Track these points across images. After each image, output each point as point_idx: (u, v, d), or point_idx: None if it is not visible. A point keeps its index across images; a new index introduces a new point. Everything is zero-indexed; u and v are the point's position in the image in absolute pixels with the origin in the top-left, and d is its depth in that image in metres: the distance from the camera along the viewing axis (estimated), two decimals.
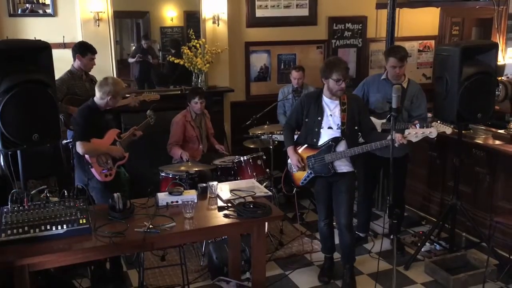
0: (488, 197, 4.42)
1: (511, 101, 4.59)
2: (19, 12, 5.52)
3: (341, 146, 3.71)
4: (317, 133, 3.75)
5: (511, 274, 3.94)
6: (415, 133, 3.61)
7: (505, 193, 4.30)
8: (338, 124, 3.71)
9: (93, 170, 3.84)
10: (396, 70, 4.11)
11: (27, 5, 5.56)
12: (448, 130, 3.73)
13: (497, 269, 4.00)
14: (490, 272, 3.91)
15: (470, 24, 7.55)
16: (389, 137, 3.44)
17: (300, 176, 3.88)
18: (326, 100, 3.76)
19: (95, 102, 3.93)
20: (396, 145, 3.48)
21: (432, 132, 3.62)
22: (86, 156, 3.85)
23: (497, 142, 4.44)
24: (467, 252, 4.28)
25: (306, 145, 3.83)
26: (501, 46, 5.96)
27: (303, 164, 3.82)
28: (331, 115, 3.73)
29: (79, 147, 3.83)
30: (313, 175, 3.82)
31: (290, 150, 3.89)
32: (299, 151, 3.87)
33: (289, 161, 3.94)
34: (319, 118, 3.73)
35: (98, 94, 3.90)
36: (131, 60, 6.07)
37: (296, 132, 4.02)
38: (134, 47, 6.16)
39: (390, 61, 4.10)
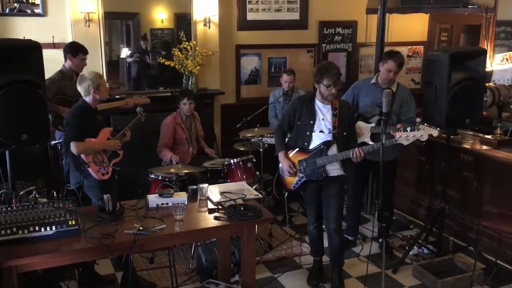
0: (476, 202, 4.46)
1: (498, 107, 4.64)
2: (7, 12, 5.48)
3: (332, 150, 3.73)
4: (309, 136, 3.76)
5: (498, 278, 3.99)
6: (406, 136, 3.65)
7: (492, 198, 4.35)
8: (329, 129, 3.72)
9: (90, 169, 3.80)
10: (391, 74, 4.13)
11: (16, 4, 5.52)
12: (435, 132, 3.77)
13: (484, 273, 4.04)
14: (477, 276, 3.95)
15: (458, 30, 7.64)
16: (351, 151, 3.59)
17: (292, 180, 3.89)
18: (318, 104, 3.77)
19: (84, 100, 3.88)
20: (354, 161, 3.65)
21: (423, 135, 3.66)
22: (82, 155, 3.80)
23: (485, 147, 4.48)
24: (454, 256, 4.31)
25: (297, 149, 3.84)
26: (488, 53, 6.03)
27: (295, 170, 3.82)
28: (323, 119, 3.74)
29: (73, 148, 3.77)
30: (304, 179, 3.82)
31: (281, 155, 3.89)
32: (290, 155, 3.87)
33: (280, 165, 3.94)
34: (311, 122, 3.74)
35: (81, 91, 3.87)
36: (129, 59, 6.06)
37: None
38: (132, 47, 6.16)
39: (388, 64, 4.12)
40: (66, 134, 3.89)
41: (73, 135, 3.81)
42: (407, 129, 3.71)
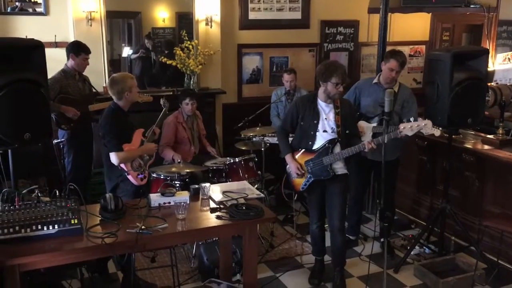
0: (477, 201, 4.46)
1: (500, 107, 4.64)
2: (8, 10, 5.49)
3: (337, 148, 3.74)
4: (313, 136, 3.76)
5: (499, 277, 3.99)
6: (410, 126, 3.64)
7: (493, 198, 4.35)
8: (332, 128, 3.73)
9: (129, 177, 3.75)
10: (393, 73, 4.13)
11: (17, 3, 5.53)
12: (437, 132, 3.76)
13: (485, 272, 4.03)
14: (479, 275, 3.95)
15: (460, 30, 7.63)
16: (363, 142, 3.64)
17: (300, 181, 3.87)
18: (321, 103, 3.77)
19: (117, 104, 3.79)
20: (365, 150, 3.64)
21: (427, 124, 3.65)
22: (122, 164, 3.74)
23: (486, 147, 4.48)
24: (456, 256, 4.32)
25: (302, 150, 3.83)
26: (491, 52, 6.03)
27: (302, 172, 3.82)
28: (326, 118, 3.75)
29: (114, 159, 3.69)
30: (313, 179, 3.81)
31: (288, 158, 3.87)
32: (297, 156, 3.86)
33: (288, 166, 3.93)
34: (315, 121, 3.74)
35: (113, 95, 3.77)
36: (133, 56, 6.07)
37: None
38: (134, 46, 6.19)
39: (390, 63, 4.12)
40: (104, 144, 3.78)
41: (112, 145, 3.71)
42: (411, 120, 3.70)
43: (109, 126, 3.75)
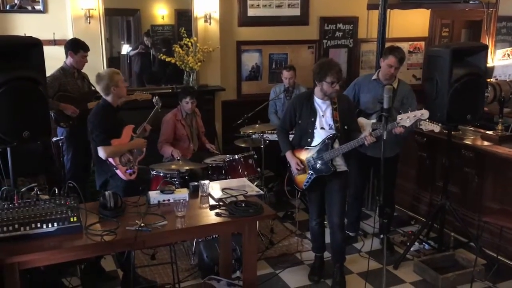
0: (477, 197, 4.46)
1: (499, 103, 4.63)
2: (7, 8, 5.48)
3: (336, 144, 3.74)
4: (311, 133, 3.76)
5: (499, 273, 3.99)
6: (407, 117, 3.63)
7: (493, 194, 4.35)
8: (330, 124, 3.73)
9: (118, 171, 3.77)
10: (392, 70, 4.13)
11: (16, 1, 5.52)
12: (437, 128, 3.76)
13: (485, 268, 4.05)
14: (478, 271, 3.96)
15: (459, 26, 7.62)
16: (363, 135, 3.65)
17: (302, 179, 3.87)
18: (317, 101, 3.78)
19: (106, 100, 3.82)
20: (366, 144, 3.63)
21: (423, 113, 3.64)
22: (110, 159, 3.76)
23: (486, 143, 4.48)
24: (456, 252, 4.32)
25: (302, 147, 3.84)
26: (490, 48, 6.02)
27: (302, 167, 3.82)
28: (323, 115, 3.75)
29: (101, 152, 3.73)
30: (314, 175, 3.82)
31: (288, 155, 3.88)
32: (297, 154, 3.86)
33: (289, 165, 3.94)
34: (312, 119, 3.75)
35: (101, 91, 3.80)
36: (132, 52, 6.05)
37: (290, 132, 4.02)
38: (133, 43, 6.18)
39: (389, 59, 4.12)
40: (92, 138, 3.82)
41: (100, 139, 3.74)
42: (408, 110, 3.70)
43: (98, 121, 3.78)
